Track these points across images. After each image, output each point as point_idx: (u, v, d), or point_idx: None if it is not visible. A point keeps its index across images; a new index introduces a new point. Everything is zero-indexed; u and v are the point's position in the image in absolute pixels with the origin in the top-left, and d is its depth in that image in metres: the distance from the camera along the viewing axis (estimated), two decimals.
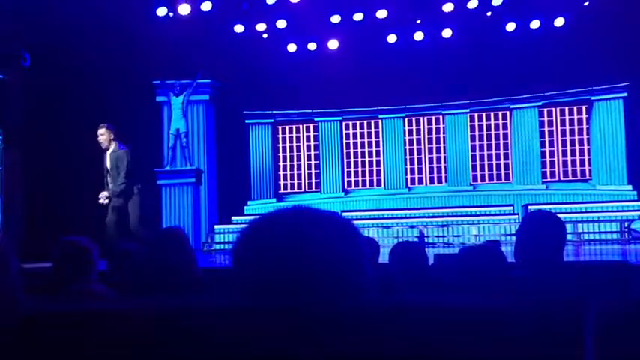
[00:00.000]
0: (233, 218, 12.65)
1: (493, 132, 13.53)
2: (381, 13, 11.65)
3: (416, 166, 13.82)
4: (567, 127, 13.15)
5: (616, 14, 10.77)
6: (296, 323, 0.98)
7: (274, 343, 0.98)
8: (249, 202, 13.61)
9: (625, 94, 12.33)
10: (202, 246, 12.20)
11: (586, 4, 11.30)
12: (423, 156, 13.80)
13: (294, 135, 14.18)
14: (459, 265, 2.38)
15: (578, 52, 11.44)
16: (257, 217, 1.16)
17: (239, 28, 12.04)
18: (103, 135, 7.38)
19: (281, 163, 14.21)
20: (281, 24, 12.00)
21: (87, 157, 11.15)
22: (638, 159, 11.88)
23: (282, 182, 14.20)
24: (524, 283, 2.45)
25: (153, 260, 2.70)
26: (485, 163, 13.53)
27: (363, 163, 14.04)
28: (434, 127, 13.76)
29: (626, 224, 11.08)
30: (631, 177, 12.24)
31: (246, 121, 13.92)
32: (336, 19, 11.83)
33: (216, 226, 12.67)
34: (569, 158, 13.14)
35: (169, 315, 1.06)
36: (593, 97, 12.71)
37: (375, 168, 13.96)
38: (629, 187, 12.19)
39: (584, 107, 13.01)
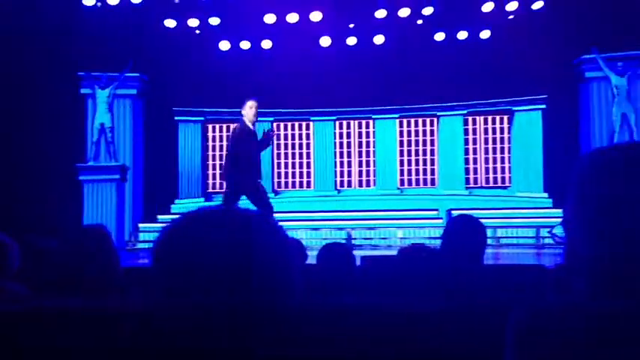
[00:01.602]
0: (159, 217, 12.36)
1: (421, 138, 13.87)
2: (316, 16, 11.72)
3: (345, 169, 13.97)
4: (490, 136, 13.67)
5: (537, 29, 11.32)
6: (218, 323, 0.96)
7: (199, 342, 0.95)
8: (176, 201, 13.34)
9: (544, 106, 12.94)
10: (126, 245, 11.86)
11: (511, 17, 11.81)
12: (352, 159, 13.97)
13: (224, 134, 14.00)
14: (393, 267, 2.42)
15: (502, 63, 11.93)
16: (179, 215, 1.13)
17: (170, 23, 11.79)
18: (253, 109, 6.54)
19: (210, 162, 14.00)
20: (214, 21, 11.85)
21: (4, 150, 10.60)
22: (554, 168, 12.48)
23: (210, 181, 13.99)
24: (448, 284, 2.52)
25: (72, 258, 2.59)
26: (413, 167, 13.85)
27: (294, 165, 14.05)
28: (364, 130, 13.96)
29: (547, 230, 11.59)
30: (547, 185, 12.86)
31: (176, 118, 13.63)
32: (270, 19, 11.80)
33: (140, 225, 12.34)
34: (490, 165, 13.66)
35: (88, 316, 1.01)
36: (514, 108, 13.27)
37: (305, 170, 14.00)
38: (545, 195, 12.81)
39: (505, 117, 13.56)
